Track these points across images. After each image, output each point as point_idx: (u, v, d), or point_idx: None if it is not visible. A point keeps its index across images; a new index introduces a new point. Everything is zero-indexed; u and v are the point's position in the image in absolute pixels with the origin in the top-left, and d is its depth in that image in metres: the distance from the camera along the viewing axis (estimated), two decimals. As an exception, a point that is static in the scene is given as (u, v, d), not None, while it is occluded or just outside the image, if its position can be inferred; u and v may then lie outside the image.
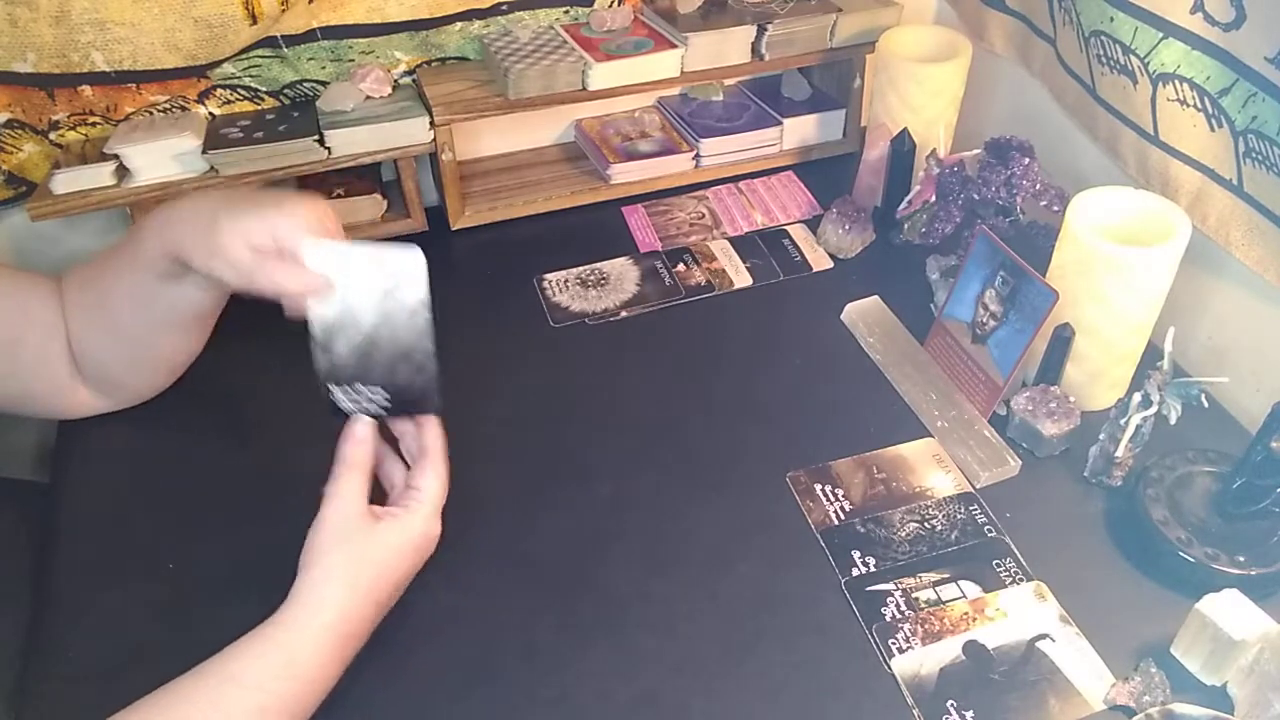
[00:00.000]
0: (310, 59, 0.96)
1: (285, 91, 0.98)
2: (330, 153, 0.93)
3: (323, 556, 0.58)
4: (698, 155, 1.08)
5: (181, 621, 0.66)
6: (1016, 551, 0.70)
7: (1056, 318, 0.75)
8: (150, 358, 0.77)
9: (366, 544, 0.59)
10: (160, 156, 0.89)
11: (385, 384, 0.63)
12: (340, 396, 0.63)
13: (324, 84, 0.98)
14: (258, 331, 0.90)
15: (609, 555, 0.70)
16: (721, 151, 1.09)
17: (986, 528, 0.72)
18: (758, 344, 0.89)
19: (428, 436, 0.65)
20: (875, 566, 0.69)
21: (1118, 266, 0.72)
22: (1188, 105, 0.77)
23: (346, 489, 0.61)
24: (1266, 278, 0.75)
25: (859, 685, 0.62)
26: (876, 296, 0.92)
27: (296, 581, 0.58)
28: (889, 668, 0.63)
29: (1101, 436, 0.74)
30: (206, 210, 0.64)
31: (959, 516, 0.73)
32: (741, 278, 0.97)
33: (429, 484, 0.63)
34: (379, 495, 0.64)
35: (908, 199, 0.96)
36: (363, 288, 0.61)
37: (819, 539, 0.71)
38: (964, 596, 0.67)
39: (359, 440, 0.63)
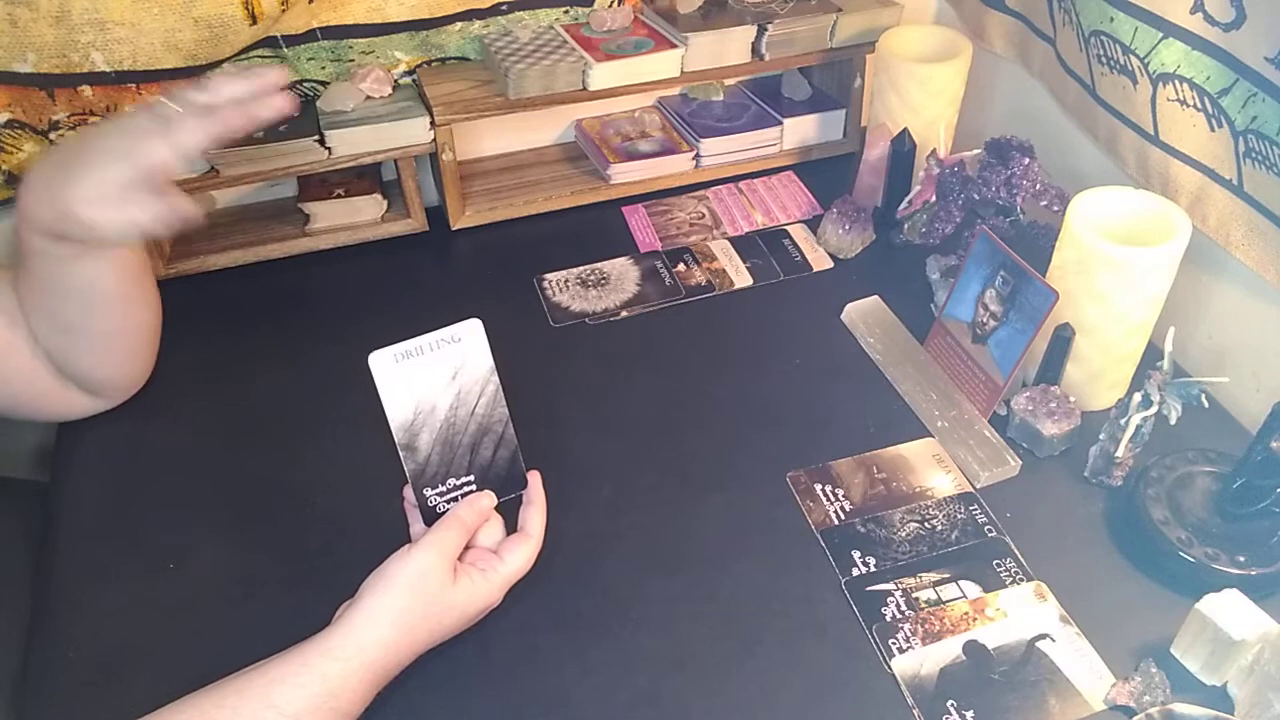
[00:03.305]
0: (310, 59, 0.96)
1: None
2: (330, 153, 0.93)
3: (391, 593, 0.58)
4: (698, 155, 1.08)
5: (182, 621, 0.66)
6: (1016, 551, 0.70)
7: (1056, 318, 0.75)
8: (105, 344, 0.75)
9: (436, 596, 0.59)
10: (160, 156, 0.89)
11: (472, 468, 0.65)
12: (436, 500, 0.64)
13: (324, 84, 0.98)
14: (258, 331, 0.91)
15: (609, 555, 0.70)
16: (721, 151, 1.09)
17: (986, 528, 0.72)
18: (758, 344, 0.89)
19: (532, 517, 0.66)
20: (875, 566, 0.69)
21: (1118, 266, 0.72)
22: (1188, 105, 0.77)
23: (443, 540, 0.61)
24: (1266, 278, 0.75)
25: (859, 685, 0.62)
26: (876, 296, 0.92)
27: (356, 606, 0.58)
28: (889, 668, 0.63)
29: (1101, 436, 0.74)
30: (44, 181, 0.63)
31: (959, 516, 0.73)
32: (741, 278, 0.97)
33: (514, 559, 0.64)
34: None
35: (908, 199, 0.96)
36: (432, 378, 0.62)
37: (819, 539, 0.71)
38: (964, 596, 0.67)
39: (479, 510, 0.64)
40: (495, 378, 0.64)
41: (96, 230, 0.62)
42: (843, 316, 0.91)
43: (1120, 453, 0.73)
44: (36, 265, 0.67)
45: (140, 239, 0.66)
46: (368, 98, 0.96)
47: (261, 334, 0.91)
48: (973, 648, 0.64)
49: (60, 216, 0.62)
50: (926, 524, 0.72)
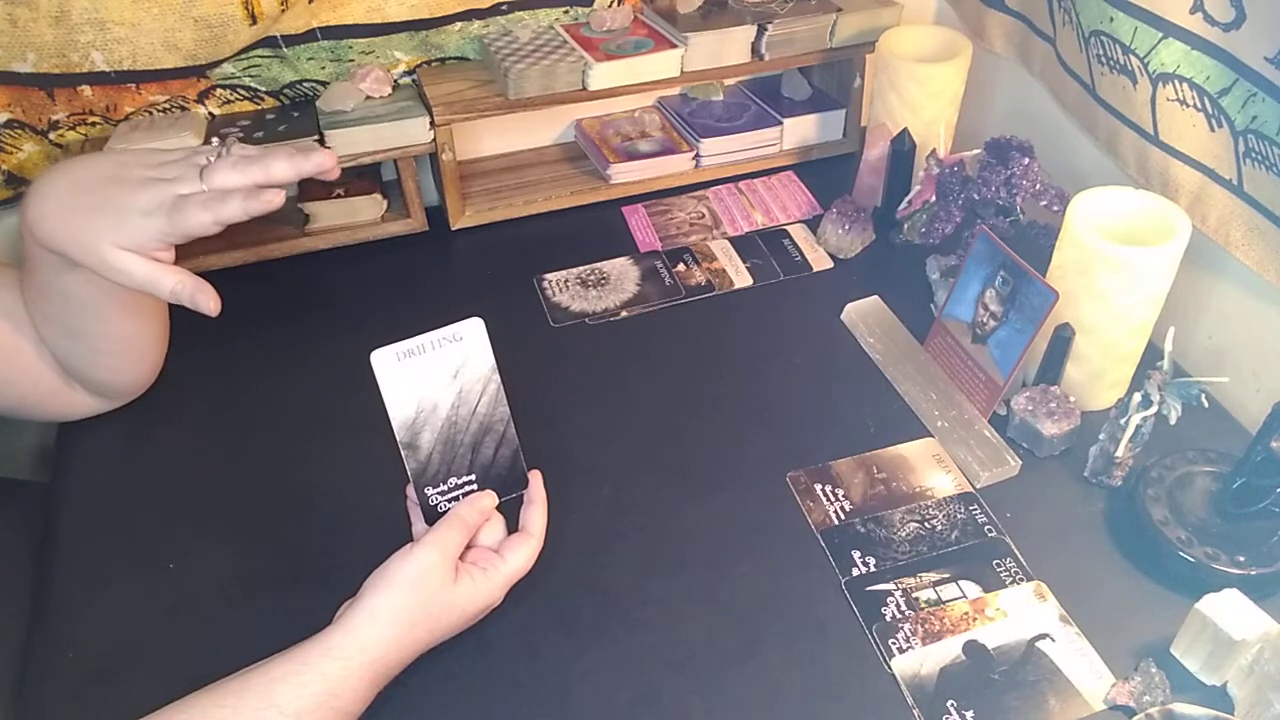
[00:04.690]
0: (310, 59, 0.96)
1: (285, 91, 0.98)
2: (330, 153, 0.93)
3: (393, 592, 0.58)
4: (698, 155, 1.08)
5: (181, 621, 0.66)
6: (1016, 551, 0.70)
7: (1056, 318, 0.75)
8: (111, 349, 0.74)
9: (437, 595, 0.59)
10: (160, 156, 0.89)
11: (473, 467, 0.65)
12: (438, 499, 0.64)
13: (324, 84, 0.98)
14: (259, 331, 0.91)
15: (609, 555, 0.70)
16: (721, 151, 1.09)
17: (986, 528, 0.72)
18: (758, 344, 0.89)
19: (533, 517, 0.66)
20: (875, 566, 0.69)
21: (1118, 266, 0.72)
22: (1187, 105, 0.77)
23: (445, 539, 0.61)
24: (1266, 278, 0.75)
25: (859, 685, 0.62)
26: (876, 296, 0.92)
27: (357, 604, 0.58)
28: (889, 668, 0.63)
29: (1101, 436, 0.74)
30: (66, 207, 0.61)
31: (959, 516, 0.73)
32: (741, 278, 0.97)
33: (515, 558, 0.64)
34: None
35: (908, 199, 0.96)
36: (434, 377, 0.62)
37: (819, 539, 0.71)
38: (964, 596, 0.67)
39: (481, 509, 0.64)
40: (497, 376, 0.64)
41: (119, 276, 0.62)
42: (843, 316, 0.91)
43: (1120, 453, 0.73)
44: (39, 273, 0.67)
45: (152, 293, 0.64)
46: (367, 98, 0.96)
47: (262, 334, 0.91)
48: (973, 648, 0.64)
49: (83, 249, 0.61)
50: (926, 524, 0.72)
